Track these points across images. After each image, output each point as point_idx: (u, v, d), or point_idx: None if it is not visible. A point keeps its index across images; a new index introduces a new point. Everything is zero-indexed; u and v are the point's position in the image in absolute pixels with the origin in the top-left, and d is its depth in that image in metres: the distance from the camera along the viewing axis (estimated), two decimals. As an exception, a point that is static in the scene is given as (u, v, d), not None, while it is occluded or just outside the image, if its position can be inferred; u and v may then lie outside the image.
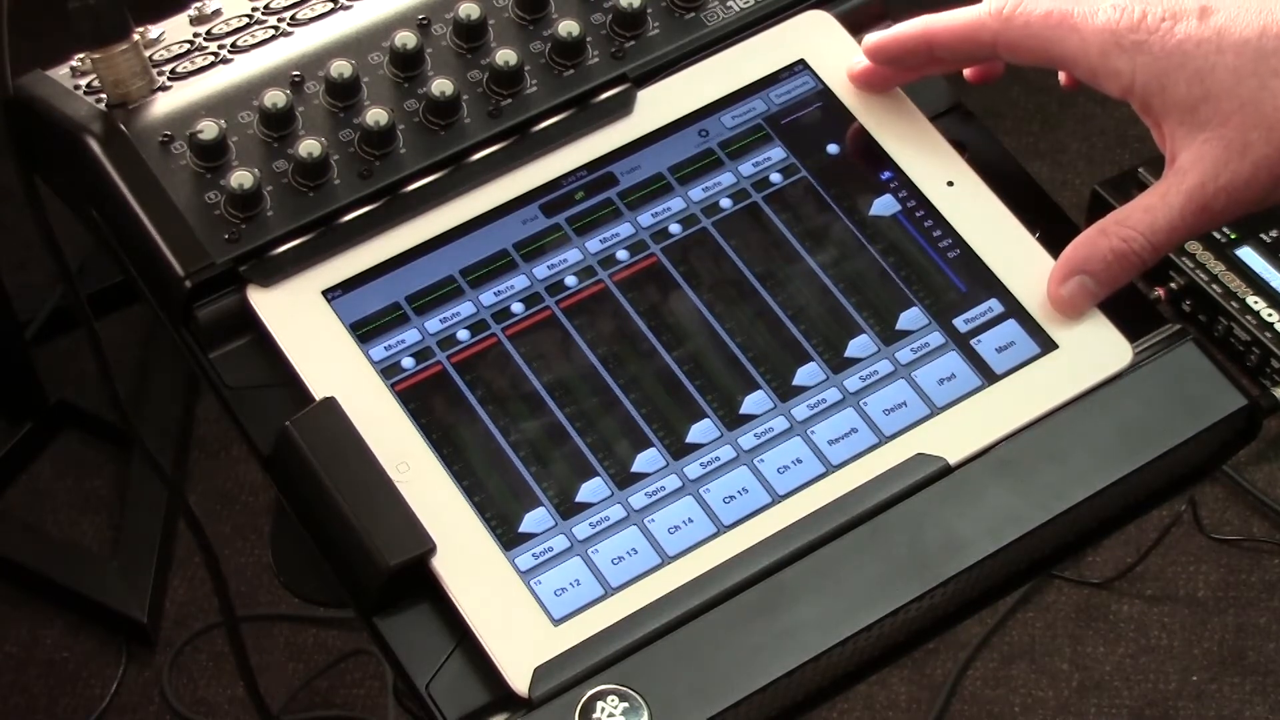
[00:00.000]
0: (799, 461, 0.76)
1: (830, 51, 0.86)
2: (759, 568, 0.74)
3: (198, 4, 0.86)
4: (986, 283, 0.80)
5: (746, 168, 0.83)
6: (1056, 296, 0.78)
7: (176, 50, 0.84)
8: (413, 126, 0.82)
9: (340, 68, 0.81)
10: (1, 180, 1.00)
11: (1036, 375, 0.78)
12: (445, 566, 0.73)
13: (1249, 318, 0.85)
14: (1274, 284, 0.86)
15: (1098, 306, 0.79)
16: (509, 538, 0.74)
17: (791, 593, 0.73)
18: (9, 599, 1.77)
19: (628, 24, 0.85)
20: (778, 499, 0.75)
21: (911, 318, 0.80)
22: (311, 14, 0.85)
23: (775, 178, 0.83)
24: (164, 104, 0.81)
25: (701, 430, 0.77)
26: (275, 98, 0.81)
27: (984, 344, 0.79)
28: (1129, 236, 0.76)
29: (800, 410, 0.77)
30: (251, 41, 0.84)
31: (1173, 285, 0.87)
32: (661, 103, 0.84)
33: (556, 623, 0.72)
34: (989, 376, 0.78)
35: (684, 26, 0.86)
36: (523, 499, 0.75)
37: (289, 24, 0.85)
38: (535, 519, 0.75)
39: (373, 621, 0.73)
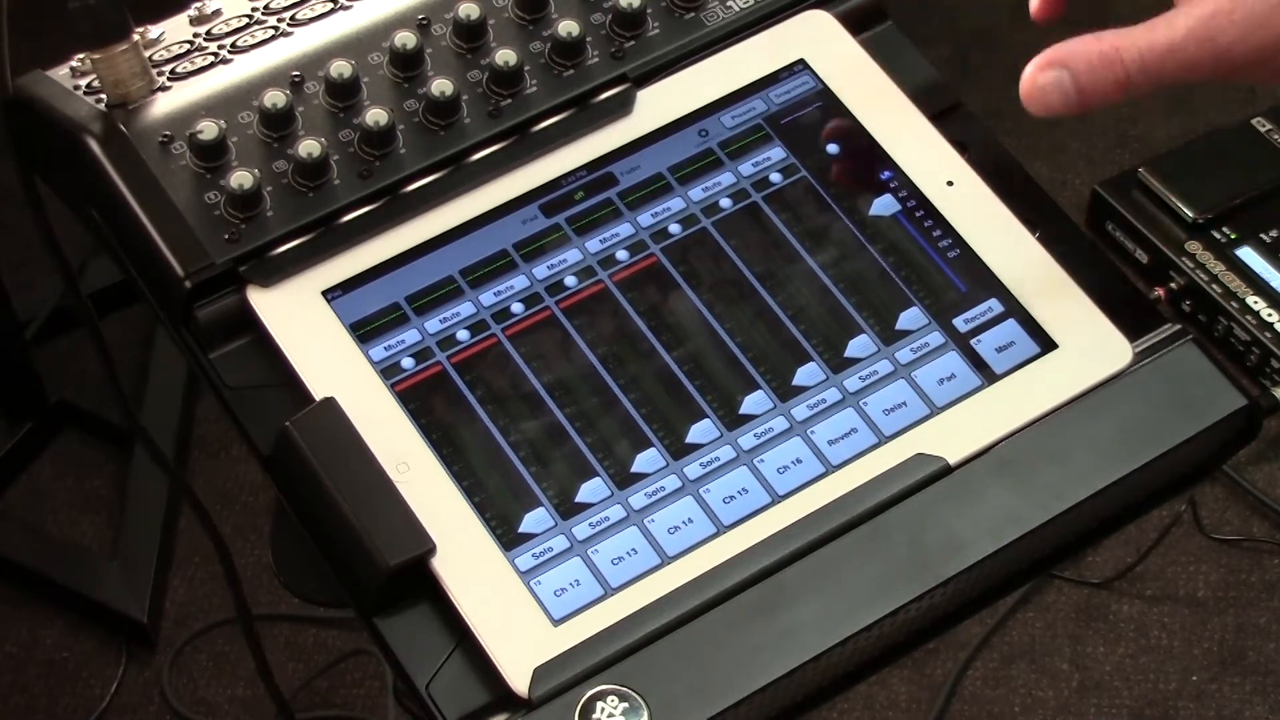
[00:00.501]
0: (799, 461, 0.76)
1: (830, 51, 0.86)
2: (759, 568, 0.74)
3: (198, 4, 0.86)
4: (986, 283, 0.80)
5: (746, 168, 0.83)
6: (1030, 86, 0.73)
7: (176, 50, 0.84)
8: (413, 126, 0.82)
9: (340, 68, 0.81)
10: (1, 180, 1.00)
11: (1036, 375, 0.78)
12: (445, 566, 0.73)
13: (1249, 318, 0.85)
14: (1274, 284, 0.86)
15: (1098, 306, 0.79)
16: (509, 538, 0.74)
17: (791, 593, 0.73)
18: (9, 599, 1.76)
19: (628, 24, 0.84)
20: (778, 499, 0.75)
21: (911, 318, 0.80)
22: (311, 14, 0.85)
23: (775, 178, 0.83)
24: (164, 104, 0.81)
25: (701, 430, 0.77)
26: (275, 98, 0.81)
27: (984, 344, 0.79)
28: (1122, 46, 0.72)
29: (800, 410, 0.77)
30: (251, 41, 0.84)
31: (1173, 285, 0.87)
32: (661, 103, 0.84)
33: (556, 623, 0.72)
34: (989, 376, 0.78)
35: (684, 26, 0.86)
36: (523, 499, 0.75)
37: (289, 24, 0.85)
38: (535, 519, 0.75)
39: (373, 621, 0.73)
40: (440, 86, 0.82)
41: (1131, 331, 0.79)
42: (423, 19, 0.84)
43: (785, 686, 0.73)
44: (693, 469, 0.76)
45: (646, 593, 0.73)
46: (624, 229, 0.81)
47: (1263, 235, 0.89)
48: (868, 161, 0.83)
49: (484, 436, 0.76)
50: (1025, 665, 1.69)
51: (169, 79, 0.83)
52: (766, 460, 0.76)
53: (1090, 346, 0.79)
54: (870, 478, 0.76)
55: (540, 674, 0.71)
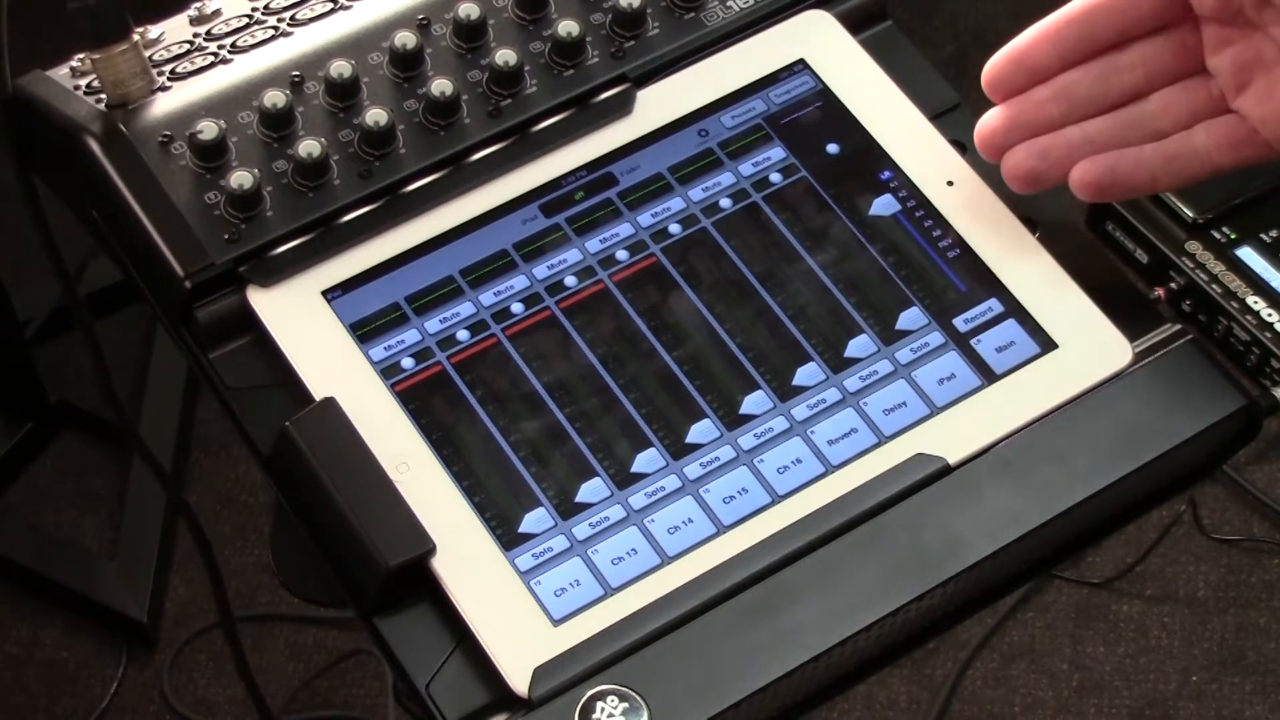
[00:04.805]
0: (799, 461, 0.76)
1: (830, 51, 0.86)
2: (759, 568, 0.74)
3: (198, 4, 0.86)
4: (986, 283, 0.80)
5: (746, 168, 0.83)
6: None
7: (176, 50, 0.84)
8: (413, 126, 0.82)
9: (340, 68, 0.81)
10: (1, 180, 1.00)
11: (1036, 375, 0.78)
12: (445, 566, 0.73)
13: (1249, 318, 0.84)
14: (1274, 284, 0.86)
15: (1098, 306, 0.79)
16: (509, 538, 0.74)
17: (791, 593, 0.73)
18: (9, 599, 1.76)
19: (628, 24, 0.84)
20: (778, 499, 0.75)
21: (911, 317, 0.80)
22: (311, 14, 0.85)
23: (775, 178, 0.83)
24: (164, 104, 0.81)
25: (701, 430, 0.77)
26: (275, 98, 0.81)
27: (984, 344, 0.79)
28: None
29: (800, 410, 0.77)
30: (251, 41, 0.84)
31: (1173, 285, 0.87)
32: (661, 103, 0.84)
33: (556, 623, 0.72)
34: (989, 376, 0.78)
35: (684, 26, 0.86)
36: (522, 499, 0.75)
37: (289, 24, 0.85)
38: (535, 519, 0.75)
39: (373, 621, 0.73)
40: (440, 86, 0.82)
41: (1131, 331, 0.79)
42: (423, 19, 0.84)
43: (785, 686, 0.73)
44: (693, 469, 0.76)
45: (646, 593, 0.73)
46: (624, 229, 0.81)
47: (1263, 235, 0.89)
48: (868, 161, 0.83)
49: (484, 436, 0.76)
50: (1025, 665, 1.69)
51: (169, 79, 0.83)
52: (766, 460, 0.76)
53: (1090, 346, 0.79)
54: (870, 478, 0.76)
55: (540, 674, 0.71)
